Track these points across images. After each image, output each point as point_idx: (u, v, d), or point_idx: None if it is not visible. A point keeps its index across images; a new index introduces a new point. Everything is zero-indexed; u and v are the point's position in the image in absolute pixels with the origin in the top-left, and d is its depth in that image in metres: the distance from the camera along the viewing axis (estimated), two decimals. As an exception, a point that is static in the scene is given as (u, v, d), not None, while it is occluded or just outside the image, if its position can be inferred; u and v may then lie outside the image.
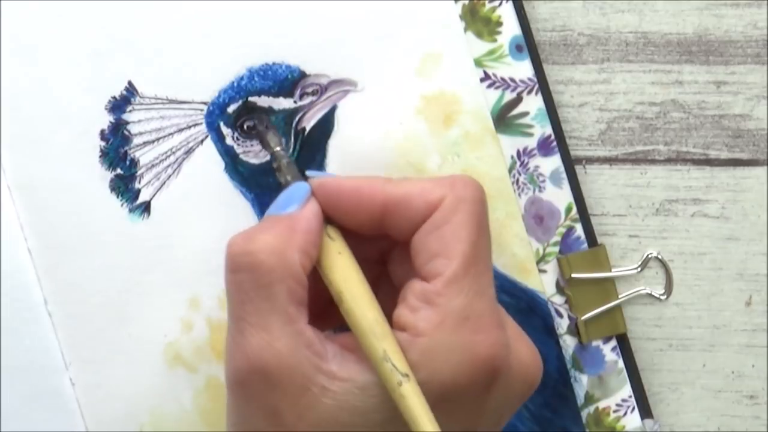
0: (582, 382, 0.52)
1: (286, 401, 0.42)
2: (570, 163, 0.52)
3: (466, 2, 0.51)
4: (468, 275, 0.43)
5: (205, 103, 0.51)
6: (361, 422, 0.42)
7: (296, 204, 0.45)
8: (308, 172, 0.47)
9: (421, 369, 0.42)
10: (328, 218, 0.45)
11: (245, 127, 0.51)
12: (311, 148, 0.51)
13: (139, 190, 0.51)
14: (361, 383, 0.42)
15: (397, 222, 0.44)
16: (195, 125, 0.51)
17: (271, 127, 0.50)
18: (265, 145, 0.50)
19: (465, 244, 0.43)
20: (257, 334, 0.42)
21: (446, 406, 0.42)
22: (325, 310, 0.45)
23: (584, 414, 0.52)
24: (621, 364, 0.52)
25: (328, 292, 0.44)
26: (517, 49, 0.51)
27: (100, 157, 0.51)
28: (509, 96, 0.51)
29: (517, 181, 0.51)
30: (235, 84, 0.51)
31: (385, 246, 0.47)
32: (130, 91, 0.51)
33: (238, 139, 0.51)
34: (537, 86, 0.51)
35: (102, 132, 0.51)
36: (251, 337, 0.42)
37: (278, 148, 0.48)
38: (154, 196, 0.51)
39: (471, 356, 0.42)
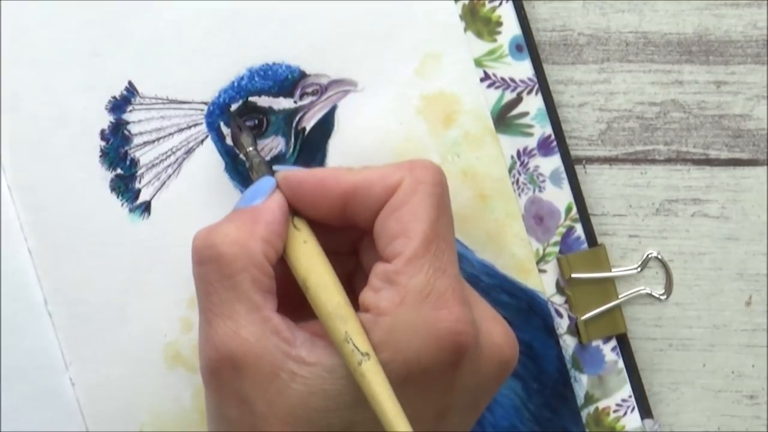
0: (582, 382, 0.52)
1: (255, 388, 0.42)
2: (570, 163, 0.52)
3: (466, 2, 0.51)
4: (428, 253, 0.43)
5: (205, 103, 0.51)
6: (332, 405, 0.42)
7: (261, 197, 0.45)
8: (275, 167, 0.47)
9: (384, 348, 0.42)
10: (296, 211, 0.45)
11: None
12: (311, 148, 0.51)
13: (139, 190, 0.51)
14: (329, 366, 0.42)
15: (360, 209, 0.44)
16: (195, 125, 0.51)
17: (244, 128, 0.50)
18: (238, 146, 0.50)
19: (424, 223, 0.43)
20: (223, 324, 0.43)
21: (414, 385, 0.42)
22: (302, 303, 0.45)
23: (584, 414, 0.52)
24: (621, 364, 0.52)
25: None
26: (517, 49, 0.51)
27: (101, 157, 0.51)
28: (509, 96, 0.51)
29: (517, 181, 0.51)
30: (236, 84, 0.51)
31: (356, 237, 0.47)
32: (131, 91, 0.51)
33: (238, 139, 0.51)
34: (537, 86, 0.51)
35: (102, 132, 0.51)
36: (218, 326, 0.43)
37: (250, 149, 0.49)
38: (154, 196, 0.51)
39: (434, 332, 0.42)
